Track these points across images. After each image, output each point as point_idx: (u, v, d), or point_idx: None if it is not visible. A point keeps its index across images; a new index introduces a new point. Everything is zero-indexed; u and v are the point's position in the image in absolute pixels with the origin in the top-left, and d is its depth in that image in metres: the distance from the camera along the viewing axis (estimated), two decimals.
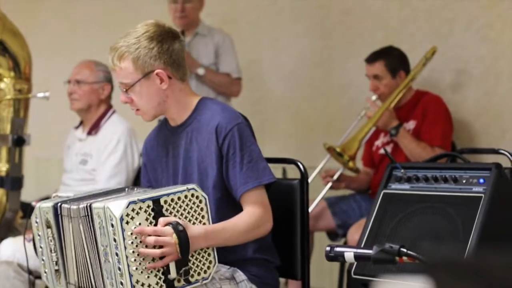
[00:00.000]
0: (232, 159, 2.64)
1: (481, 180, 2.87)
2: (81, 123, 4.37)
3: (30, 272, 3.57)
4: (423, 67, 4.41)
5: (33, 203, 3.11)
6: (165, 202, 2.43)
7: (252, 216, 2.61)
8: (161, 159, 2.82)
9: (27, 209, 3.19)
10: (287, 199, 2.88)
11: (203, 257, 2.50)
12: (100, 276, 2.47)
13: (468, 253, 2.66)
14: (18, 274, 3.71)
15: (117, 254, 2.37)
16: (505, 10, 4.49)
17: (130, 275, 2.37)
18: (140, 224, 2.38)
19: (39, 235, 2.64)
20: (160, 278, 2.41)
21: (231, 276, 2.65)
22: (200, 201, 2.49)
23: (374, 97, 4.32)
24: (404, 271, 2.61)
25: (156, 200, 2.41)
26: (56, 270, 2.61)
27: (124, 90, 2.68)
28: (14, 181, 4.07)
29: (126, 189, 2.69)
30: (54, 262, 2.61)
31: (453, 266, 1.08)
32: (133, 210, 2.37)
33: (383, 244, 2.26)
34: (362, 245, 2.92)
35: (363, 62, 4.55)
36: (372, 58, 4.35)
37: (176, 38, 2.70)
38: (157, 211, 2.41)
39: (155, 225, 2.41)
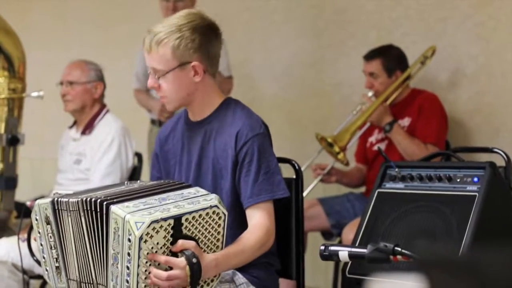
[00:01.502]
0: (247, 167, 2.59)
1: (475, 179, 2.87)
2: (75, 122, 4.36)
3: (24, 271, 3.57)
4: (422, 65, 4.42)
5: (27, 203, 3.10)
6: (186, 219, 2.38)
7: (261, 230, 2.57)
8: (175, 151, 2.77)
9: (21, 209, 3.19)
10: (282, 198, 2.87)
11: None
12: (103, 273, 2.44)
13: (462, 251, 2.67)
14: (12, 273, 3.71)
15: (128, 268, 2.34)
16: (497, 9, 4.50)
17: None
18: (158, 243, 2.34)
19: (39, 233, 2.61)
20: None
21: (231, 279, 2.63)
22: (220, 218, 2.44)
23: (370, 93, 4.33)
24: (398, 270, 2.62)
25: (178, 219, 2.37)
26: (57, 267, 2.59)
27: (156, 76, 2.61)
28: (8, 181, 4.07)
29: (126, 182, 2.66)
30: (55, 259, 2.58)
31: (446, 264, 1.08)
32: (153, 229, 2.32)
33: (378, 243, 2.26)
34: (357, 244, 2.92)
35: (355, 61, 4.55)
36: (370, 56, 4.36)
37: (218, 35, 2.67)
38: (177, 229, 2.37)
39: (172, 243, 2.36)
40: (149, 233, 2.31)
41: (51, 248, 2.59)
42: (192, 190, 2.51)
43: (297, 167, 2.95)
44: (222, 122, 2.66)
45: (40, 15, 6.45)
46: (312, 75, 5.20)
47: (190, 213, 2.38)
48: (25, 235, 3.23)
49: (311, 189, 4.32)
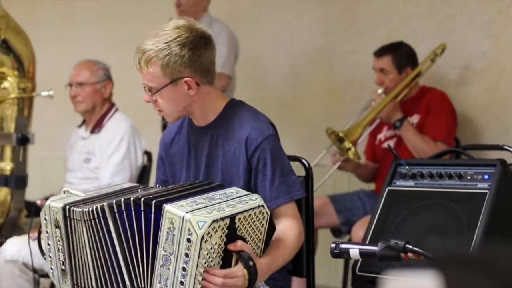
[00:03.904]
0: (262, 172, 2.58)
1: (486, 176, 2.87)
2: (84, 121, 4.37)
3: (35, 270, 3.58)
4: (432, 63, 4.41)
5: (38, 202, 3.11)
6: (239, 219, 2.35)
7: (296, 229, 2.58)
8: (181, 155, 2.75)
9: (32, 208, 3.20)
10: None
11: None
12: (144, 276, 2.39)
13: (473, 249, 2.66)
14: (23, 273, 3.71)
15: (184, 269, 2.29)
16: (507, 5, 4.49)
17: None
18: (216, 243, 2.30)
19: (47, 232, 2.59)
20: None
21: None
22: (264, 218, 2.42)
23: (380, 90, 4.32)
24: (409, 267, 2.61)
25: (232, 218, 2.33)
26: (63, 270, 2.58)
27: (150, 93, 2.59)
28: (18, 180, 4.08)
29: (139, 189, 2.59)
30: (61, 262, 2.56)
31: (462, 259, 1.07)
32: (213, 228, 2.28)
33: (388, 240, 2.26)
34: (367, 242, 2.92)
35: (365, 59, 4.54)
36: (380, 52, 4.35)
37: (208, 43, 2.60)
38: (231, 229, 2.33)
39: (226, 243, 2.33)
40: (209, 233, 2.27)
41: (58, 250, 2.56)
42: (232, 190, 2.48)
43: (307, 165, 2.94)
44: (228, 127, 2.64)
45: (49, 14, 6.46)
46: (322, 73, 5.20)
47: (241, 212, 2.35)
48: (36, 234, 3.24)
49: (326, 178, 4.32)
